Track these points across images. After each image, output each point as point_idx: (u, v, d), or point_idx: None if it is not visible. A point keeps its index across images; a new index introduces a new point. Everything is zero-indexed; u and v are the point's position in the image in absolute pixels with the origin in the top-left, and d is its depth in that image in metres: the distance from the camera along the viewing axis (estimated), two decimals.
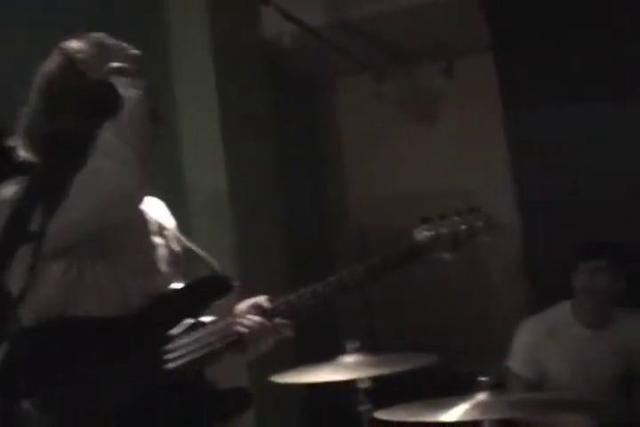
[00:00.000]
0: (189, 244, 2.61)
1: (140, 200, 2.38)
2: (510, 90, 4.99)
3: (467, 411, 3.00)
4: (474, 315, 5.35)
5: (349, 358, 3.49)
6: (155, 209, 2.63)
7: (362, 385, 3.46)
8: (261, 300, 2.59)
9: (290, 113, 5.83)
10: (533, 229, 4.90)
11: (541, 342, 4.29)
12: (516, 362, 4.30)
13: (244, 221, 4.76)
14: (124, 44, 2.42)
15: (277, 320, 2.55)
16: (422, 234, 2.63)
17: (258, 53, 5.14)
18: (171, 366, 2.39)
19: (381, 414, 3.27)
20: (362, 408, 3.48)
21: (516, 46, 4.96)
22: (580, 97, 4.83)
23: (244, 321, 2.51)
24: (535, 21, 4.92)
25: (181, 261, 2.60)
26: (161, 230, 2.57)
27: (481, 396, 3.07)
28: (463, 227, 2.62)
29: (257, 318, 2.52)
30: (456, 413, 3.00)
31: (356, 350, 3.49)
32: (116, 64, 2.32)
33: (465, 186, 5.52)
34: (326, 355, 3.52)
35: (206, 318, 2.53)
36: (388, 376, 3.38)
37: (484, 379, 3.08)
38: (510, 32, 4.98)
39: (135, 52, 2.42)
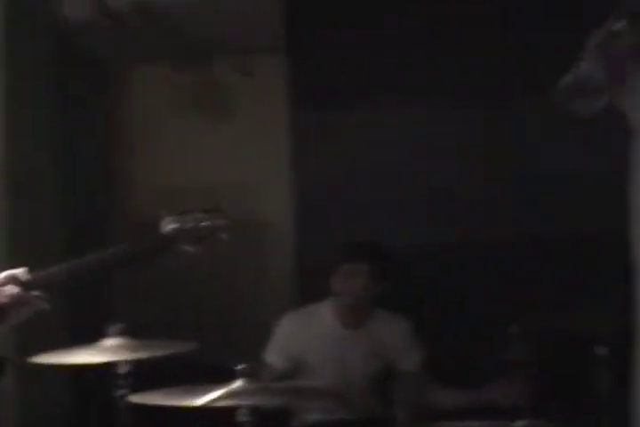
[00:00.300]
0: None
1: None
2: (299, 90, 5.09)
3: (221, 397, 3.10)
4: (239, 309, 5.41)
5: (110, 341, 3.49)
6: None
7: (121, 369, 3.47)
8: (18, 271, 2.59)
9: (80, 97, 5.76)
10: (306, 226, 5.01)
11: (299, 336, 4.37)
12: (273, 354, 4.37)
13: (17, 197, 4.68)
14: None
15: (34, 293, 2.56)
16: (169, 226, 2.74)
17: (52, 32, 5.06)
18: None
19: (137, 398, 3.31)
20: (120, 392, 3.49)
21: (308, 46, 5.07)
22: (367, 100, 4.98)
23: None
24: (330, 22, 5.04)
25: None
26: None
27: (237, 383, 3.18)
28: (206, 223, 2.74)
29: (12, 289, 2.53)
30: (211, 398, 3.10)
31: (118, 334, 3.49)
32: None
33: (247, 182, 5.59)
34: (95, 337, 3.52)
35: None
36: (148, 361, 3.41)
37: (240, 367, 3.19)
38: (304, 32, 5.09)
39: None
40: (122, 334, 3.50)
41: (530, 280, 4.78)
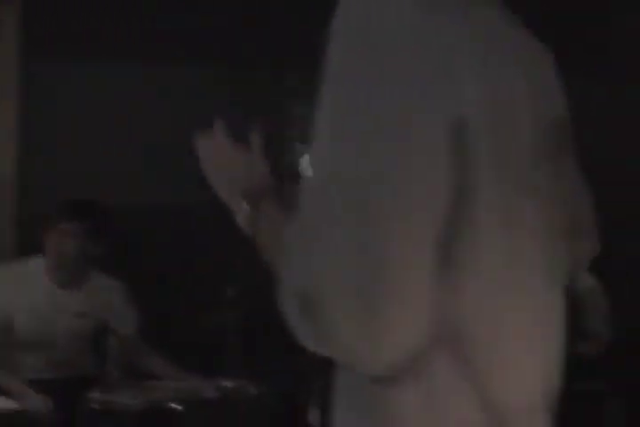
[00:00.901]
0: None
1: None
2: (31, 40, 4.98)
3: None
4: None
5: None
6: None
7: None
8: None
9: None
10: (30, 180, 4.92)
11: (7, 291, 4.26)
12: None
13: None
14: None
15: None
16: None
17: None
18: None
19: None
20: None
21: None
22: (100, 53, 4.96)
23: None
24: None
25: None
26: None
27: None
28: None
29: None
30: None
31: None
32: None
33: None
34: None
35: None
36: None
37: None
38: None
39: None
40: None
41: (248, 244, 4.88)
